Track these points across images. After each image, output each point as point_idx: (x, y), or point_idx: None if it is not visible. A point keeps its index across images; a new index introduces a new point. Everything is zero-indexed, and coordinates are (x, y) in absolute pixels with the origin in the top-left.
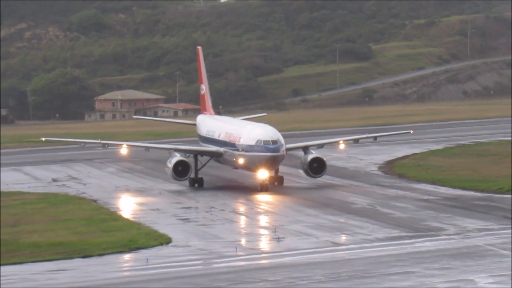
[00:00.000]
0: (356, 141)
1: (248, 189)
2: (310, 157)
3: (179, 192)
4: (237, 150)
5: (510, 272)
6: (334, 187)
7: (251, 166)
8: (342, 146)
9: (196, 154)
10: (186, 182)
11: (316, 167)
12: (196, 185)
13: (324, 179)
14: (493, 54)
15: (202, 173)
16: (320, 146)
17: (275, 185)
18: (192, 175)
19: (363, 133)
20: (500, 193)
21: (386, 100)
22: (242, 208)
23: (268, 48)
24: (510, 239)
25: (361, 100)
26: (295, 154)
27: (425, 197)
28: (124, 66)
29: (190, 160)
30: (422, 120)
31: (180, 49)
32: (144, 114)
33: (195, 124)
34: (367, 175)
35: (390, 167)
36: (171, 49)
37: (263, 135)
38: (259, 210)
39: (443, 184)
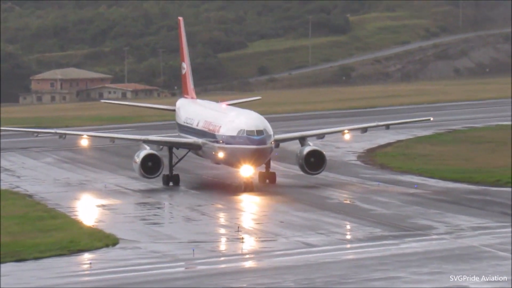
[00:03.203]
0: (364, 130)
1: (231, 189)
2: (306, 150)
3: (128, 186)
4: (217, 141)
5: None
6: (304, 179)
7: (232, 161)
8: (347, 136)
9: (171, 146)
10: (159, 180)
11: (314, 162)
12: (171, 183)
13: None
14: (489, 26)
15: (180, 170)
16: (320, 136)
17: (266, 183)
18: (166, 171)
19: (372, 120)
20: (498, 185)
21: (365, 79)
22: (207, 207)
23: (230, 20)
24: (511, 238)
25: (337, 79)
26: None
27: (412, 190)
28: (65, 41)
29: (163, 153)
30: (408, 102)
31: (129, 21)
32: (88, 96)
33: (174, 110)
34: (345, 166)
35: (371, 157)
36: (119, 21)
37: (247, 124)
38: (223, 207)
39: (432, 175)
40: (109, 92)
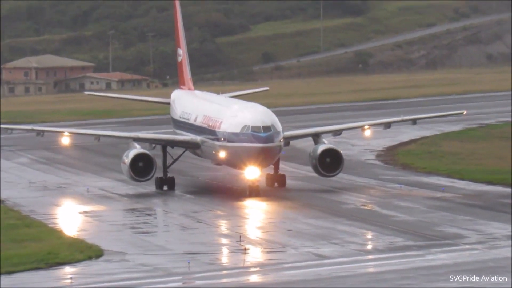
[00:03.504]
0: (387, 125)
1: (233, 193)
2: (321, 148)
3: (114, 190)
4: (218, 139)
5: None
6: (316, 182)
7: (235, 161)
8: (367, 132)
9: (165, 144)
10: (151, 183)
11: (329, 163)
12: (165, 187)
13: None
14: None
15: (175, 171)
16: (337, 133)
17: (275, 187)
18: (160, 174)
19: (394, 114)
20: None
21: (385, 66)
22: (205, 213)
23: None
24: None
25: (353, 67)
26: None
27: (438, 194)
28: (41, 24)
29: (156, 153)
30: (434, 93)
31: (114, 2)
32: (67, 87)
33: (168, 103)
34: (362, 166)
35: (392, 155)
36: (102, 1)
37: (252, 119)
38: (224, 214)
39: (461, 177)
40: (92, 83)
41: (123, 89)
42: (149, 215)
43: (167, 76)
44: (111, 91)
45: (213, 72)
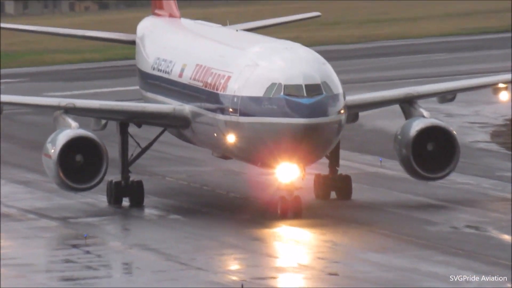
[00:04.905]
0: None
1: (250, 212)
2: (417, 126)
3: (14, 200)
4: (223, 110)
5: None
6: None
7: (256, 151)
8: (504, 95)
9: (126, 120)
10: (99, 192)
11: (433, 153)
12: (126, 201)
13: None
14: None
15: (143, 170)
16: (447, 96)
17: (333, 200)
18: (116, 175)
19: None
20: None
21: None
22: (189, 245)
23: None
24: None
25: None
26: None
27: None
28: None
29: (107, 135)
30: None
31: None
32: None
33: (133, 43)
34: (467, 154)
35: None
36: None
37: (286, 73)
38: (227, 246)
39: None
40: None
41: (26, 13)
42: (76, 247)
43: None
44: (8, 19)
45: None
